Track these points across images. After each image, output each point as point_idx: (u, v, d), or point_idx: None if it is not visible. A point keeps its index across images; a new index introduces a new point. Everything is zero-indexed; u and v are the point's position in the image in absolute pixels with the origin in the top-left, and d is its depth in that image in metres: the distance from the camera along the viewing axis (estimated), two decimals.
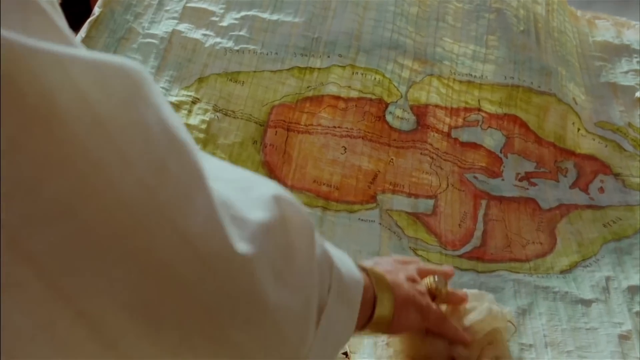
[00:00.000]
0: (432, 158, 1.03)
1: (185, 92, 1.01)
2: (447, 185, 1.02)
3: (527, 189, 1.04)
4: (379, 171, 1.00)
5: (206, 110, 1.00)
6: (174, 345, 0.38)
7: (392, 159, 1.01)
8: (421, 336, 0.72)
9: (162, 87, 1.01)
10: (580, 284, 0.91)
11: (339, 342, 0.55)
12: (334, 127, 1.02)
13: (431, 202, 0.99)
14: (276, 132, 1.00)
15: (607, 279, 0.92)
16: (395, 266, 0.69)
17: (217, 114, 1.00)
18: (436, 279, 0.70)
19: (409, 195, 0.99)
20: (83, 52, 0.34)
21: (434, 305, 0.69)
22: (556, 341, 0.84)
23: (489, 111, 1.09)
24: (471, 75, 1.12)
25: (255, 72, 1.06)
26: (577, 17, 1.32)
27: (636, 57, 1.26)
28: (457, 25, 1.18)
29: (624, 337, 0.84)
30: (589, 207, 1.04)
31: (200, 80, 1.04)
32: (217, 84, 1.04)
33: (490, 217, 0.99)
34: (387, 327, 0.63)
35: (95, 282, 0.34)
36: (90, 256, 0.33)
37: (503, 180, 1.04)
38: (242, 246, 0.39)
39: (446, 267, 0.78)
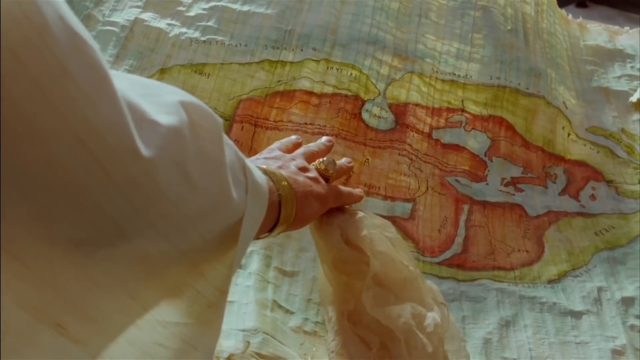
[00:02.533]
0: (411, 159, 0.96)
1: None
2: (427, 188, 0.95)
3: (513, 194, 0.98)
4: (352, 171, 0.93)
5: None
6: (72, 249, 0.36)
7: (367, 159, 0.95)
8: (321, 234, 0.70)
9: None
10: (569, 295, 0.85)
11: (248, 241, 0.53)
12: (306, 123, 0.95)
13: (409, 205, 0.93)
14: (242, 127, 0.94)
15: (599, 289, 0.85)
16: (284, 159, 0.69)
17: None
18: (324, 161, 0.71)
19: (385, 197, 0.93)
20: None
21: (327, 187, 0.69)
22: (543, 355, 0.77)
23: (473, 112, 1.03)
24: (455, 74, 1.07)
25: (222, 64, 1.00)
26: (567, 20, 1.27)
27: (630, 62, 1.20)
28: (440, 22, 1.12)
29: (617, 352, 0.77)
30: (580, 214, 0.97)
31: (163, 71, 0.98)
32: (180, 75, 0.98)
33: (473, 223, 0.93)
34: (291, 225, 0.63)
35: None
36: None
37: (487, 184, 0.98)
38: (148, 150, 0.37)
39: (324, 140, 0.79)
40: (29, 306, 0.34)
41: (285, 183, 0.61)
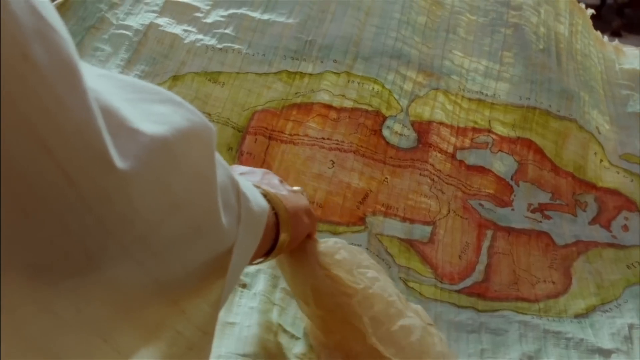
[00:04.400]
0: (432, 180, 0.92)
1: None
2: (448, 211, 0.90)
3: (540, 221, 0.93)
4: (370, 190, 0.89)
5: None
6: (30, 277, 0.31)
7: (386, 177, 0.90)
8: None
9: None
10: (598, 331, 0.80)
11: (237, 277, 0.49)
12: (323, 138, 0.91)
13: (428, 228, 0.88)
14: (256, 139, 0.90)
15: (631, 327, 0.80)
16: (264, 175, 0.64)
17: None
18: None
19: (404, 219, 0.88)
20: None
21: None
22: None
23: (501, 133, 0.99)
24: (482, 93, 1.02)
25: (238, 73, 0.96)
26: (603, 42, 1.22)
27: None
28: (469, 39, 1.08)
29: None
30: (611, 245, 0.92)
31: (175, 78, 0.94)
32: (194, 83, 0.94)
33: (496, 250, 0.88)
34: (287, 247, 0.59)
35: None
36: None
37: (513, 210, 0.93)
38: (124, 161, 0.33)
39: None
40: None
41: (280, 204, 0.57)
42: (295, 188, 0.66)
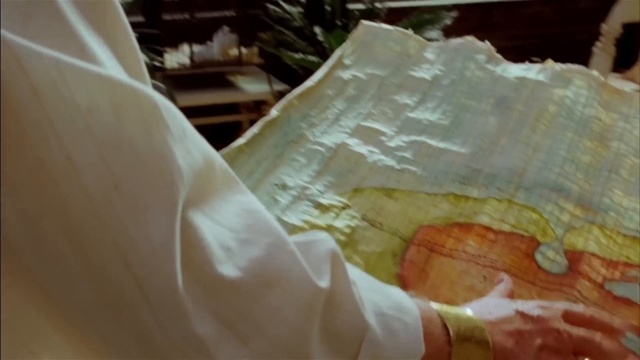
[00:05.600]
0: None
1: (338, 198, 1.08)
2: None
3: None
4: None
5: (354, 217, 1.05)
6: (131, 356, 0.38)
7: (534, 298, 0.99)
8: None
9: (317, 189, 1.08)
10: None
11: None
12: (479, 255, 1.02)
13: None
14: (419, 250, 1.03)
15: None
16: (541, 330, 0.59)
17: (364, 222, 1.05)
18: None
19: None
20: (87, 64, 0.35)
21: None
22: None
23: None
24: (638, 231, 1.09)
25: (411, 191, 1.11)
26: None
27: None
28: (631, 180, 1.16)
29: None
30: None
31: (356, 190, 1.10)
32: (371, 196, 1.09)
33: None
34: None
35: (32, 290, 0.36)
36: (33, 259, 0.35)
37: None
38: (188, 294, 0.37)
39: None
40: None
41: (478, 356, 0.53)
42: None
